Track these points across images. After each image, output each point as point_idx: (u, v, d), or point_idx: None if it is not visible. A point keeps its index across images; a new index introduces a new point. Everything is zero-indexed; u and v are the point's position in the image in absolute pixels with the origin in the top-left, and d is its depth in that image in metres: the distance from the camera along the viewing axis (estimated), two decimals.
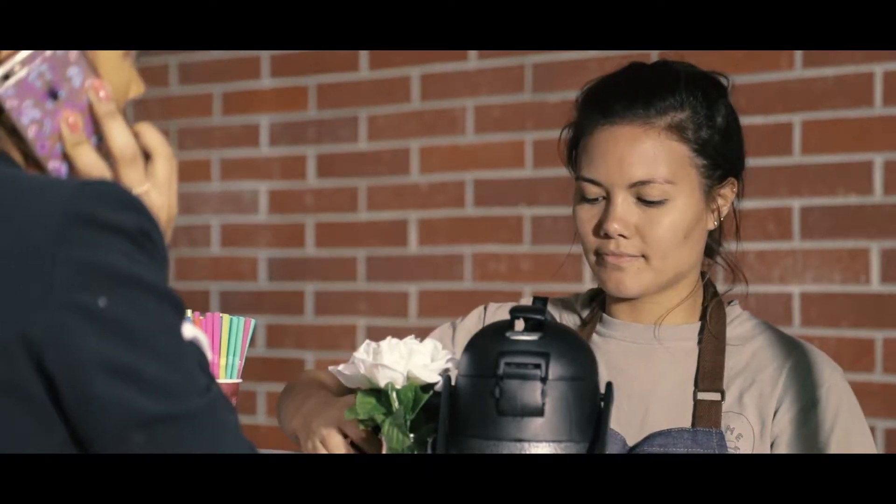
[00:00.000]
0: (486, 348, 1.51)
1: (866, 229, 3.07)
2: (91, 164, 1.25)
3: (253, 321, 1.88)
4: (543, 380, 1.47)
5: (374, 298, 3.72)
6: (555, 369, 1.48)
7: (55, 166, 1.25)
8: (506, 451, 1.47)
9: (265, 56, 3.90)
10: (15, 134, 1.24)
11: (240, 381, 1.86)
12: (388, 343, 1.60)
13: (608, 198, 1.85)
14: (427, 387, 1.60)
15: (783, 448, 1.83)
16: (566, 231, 3.42)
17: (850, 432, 1.83)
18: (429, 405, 1.59)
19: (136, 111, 4.12)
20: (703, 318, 1.91)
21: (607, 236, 1.84)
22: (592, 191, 1.86)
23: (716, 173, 1.87)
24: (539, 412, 1.46)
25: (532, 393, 1.47)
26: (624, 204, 1.83)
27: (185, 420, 1.15)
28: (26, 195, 1.16)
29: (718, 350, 1.87)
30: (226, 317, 1.85)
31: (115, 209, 1.15)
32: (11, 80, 1.23)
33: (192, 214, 4.03)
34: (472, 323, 2.00)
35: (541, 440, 1.46)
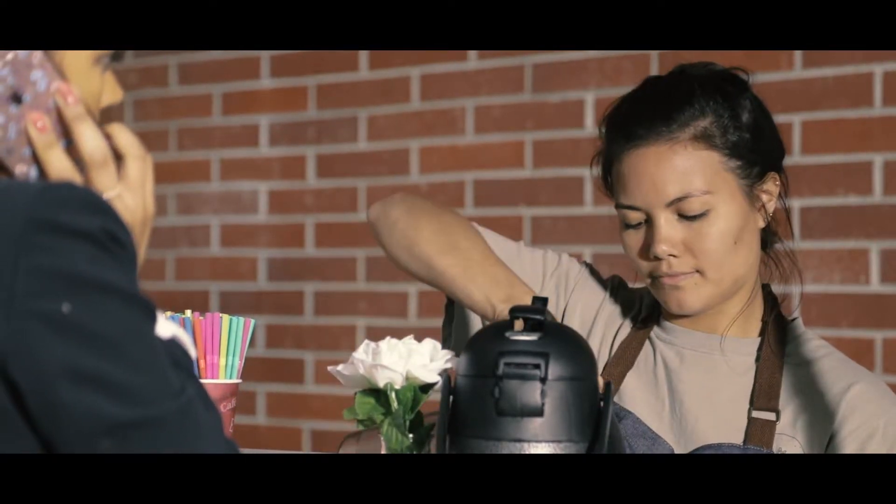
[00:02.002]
0: (485, 348, 1.51)
1: (866, 229, 3.06)
2: (62, 167, 1.23)
3: (252, 321, 1.88)
4: (543, 380, 1.47)
5: (373, 299, 3.72)
6: (554, 369, 1.47)
7: (23, 170, 1.23)
8: (505, 452, 1.47)
9: (265, 56, 3.90)
10: None
11: (239, 381, 1.85)
12: (388, 343, 1.60)
13: (650, 220, 1.81)
14: (426, 387, 1.60)
15: None
16: (566, 231, 3.43)
17: None
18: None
19: (136, 111, 4.12)
20: (763, 332, 1.87)
21: (657, 258, 1.81)
22: (633, 216, 1.82)
23: (753, 171, 1.83)
24: (538, 412, 1.46)
25: (531, 393, 1.47)
26: (667, 224, 1.80)
27: (155, 425, 1.13)
28: None
29: (777, 368, 1.84)
30: (225, 317, 1.85)
31: (77, 212, 1.13)
32: None
33: (192, 214, 4.03)
34: (574, 271, 1.96)
35: (540, 440, 1.46)
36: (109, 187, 1.24)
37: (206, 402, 1.18)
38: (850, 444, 1.79)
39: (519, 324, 1.52)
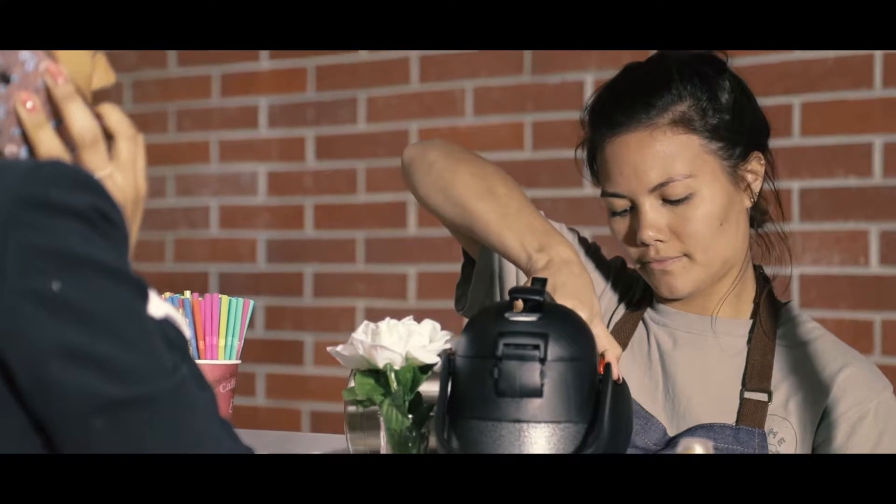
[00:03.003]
0: (484, 329, 1.51)
1: (865, 211, 3.06)
2: (52, 147, 1.22)
3: (252, 302, 1.88)
4: (542, 361, 1.47)
5: (373, 280, 3.72)
6: (553, 350, 1.48)
7: (12, 151, 1.22)
8: (504, 432, 1.47)
9: None
10: None
11: (239, 362, 1.86)
12: (387, 324, 1.60)
13: (635, 207, 1.82)
14: (426, 367, 1.60)
15: None
16: (565, 213, 3.43)
17: (893, 453, 1.79)
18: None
19: (135, 93, 4.12)
20: (755, 314, 1.88)
21: (645, 244, 1.82)
22: (618, 204, 1.84)
23: (736, 152, 1.83)
24: (538, 393, 1.46)
25: (531, 374, 1.47)
26: (651, 210, 1.81)
27: (148, 403, 1.12)
28: None
29: (769, 349, 1.85)
30: (225, 298, 1.85)
31: (67, 190, 1.13)
32: None
33: (191, 196, 4.03)
34: (583, 249, 1.96)
35: (539, 421, 1.47)
36: (100, 167, 1.23)
37: (201, 381, 1.17)
38: (842, 425, 1.80)
39: (518, 305, 1.52)
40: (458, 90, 3.59)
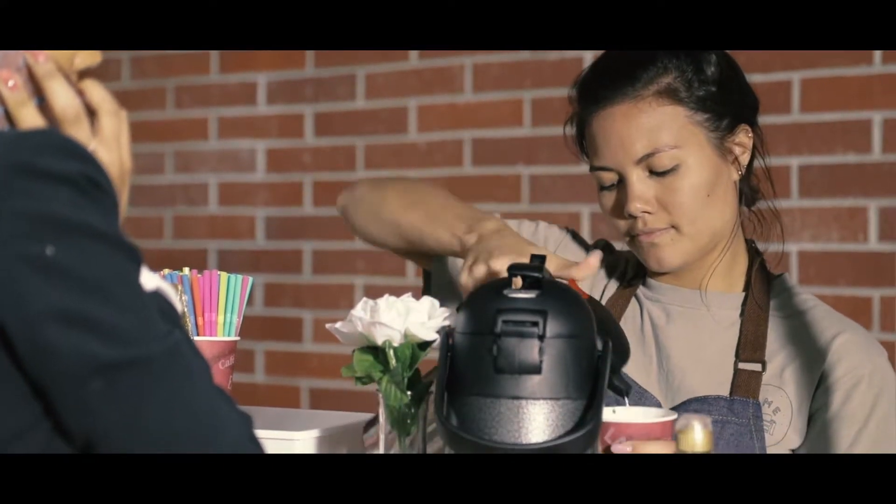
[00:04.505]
0: (483, 306, 1.51)
1: (864, 188, 3.06)
2: (35, 125, 1.23)
3: (251, 279, 1.88)
4: (541, 337, 1.47)
5: (371, 257, 3.72)
6: (552, 327, 1.48)
7: None
8: (503, 409, 1.47)
9: None
10: None
11: (237, 338, 1.86)
12: (386, 301, 1.60)
13: (623, 180, 1.83)
14: (424, 344, 1.60)
15: (819, 427, 1.80)
16: (564, 190, 3.43)
17: (888, 419, 1.80)
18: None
19: (133, 69, 4.11)
20: (747, 287, 1.89)
21: (633, 217, 1.83)
22: (606, 177, 1.85)
23: (722, 123, 1.84)
24: (537, 370, 1.46)
25: (530, 350, 1.47)
26: (638, 181, 1.82)
27: (144, 365, 1.13)
28: None
29: (762, 320, 1.86)
30: (223, 274, 1.85)
31: (55, 156, 1.13)
32: None
33: (190, 173, 4.03)
34: (554, 235, 1.98)
35: (538, 398, 1.47)
36: (85, 143, 1.24)
37: (194, 349, 1.18)
38: (838, 391, 1.81)
39: (517, 281, 1.52)
40: (457, 66, 3.59)
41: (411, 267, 3.65)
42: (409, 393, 1.59)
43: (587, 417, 1.48)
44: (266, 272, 3.88)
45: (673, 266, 1.85)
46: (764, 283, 1.89)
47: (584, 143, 1.90)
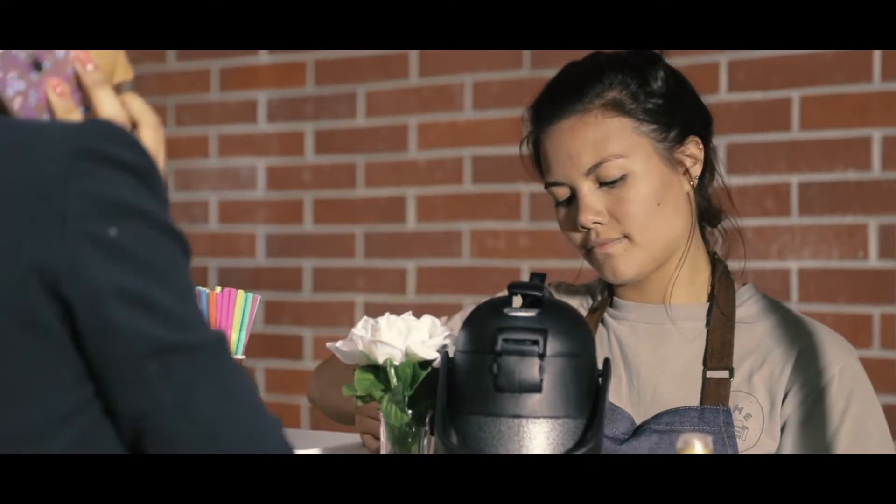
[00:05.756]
0: (484, 324, 1.51)
1: (864, 205, 3.07)
2: None
3: (259, 297, 1.89)
4: (541, 356, 1.47)
5: (372, 275, 3.72)
6: (553, 345, 1.48)
7: None
8: (504, 427, 1.47)
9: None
10: (1, 107, 1.25)
11: (244, 357, 1.86)
12: (387, 319, 1.60)
13: (575, 194, 1.87)
14: (425, 363, 1.60)
15: (794, 430, 1.81)
16: None
17: (863, 415, 1.82)
18: (430, 380, 1.59)
19: (135, 87, 4.11)
20: (712, 297, 1.91)
21: (585, 228, 1.86)
22: (559, 193, 1.89)
23: (670, 134, 1.87)
24: (537, 388, 1.47)
25: (530, 369, 1.47)
26: (588, 193, 1.85)
27: (199, 351, 1.17)
28: (33, 135, 1.17)
29: (727, 328, 1.87)
30: (240, 293, 1.85)
31: (119, 146, 1.17)
32: None
33: (191, 190, 4.03)
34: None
35: (538, 416, 1.47)
36: None
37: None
38: (809, 394, 1.82)
39: (517, 300, 1.52)
40: (457, 84, 3.59)
41: (412, 285, 3.65)
42: (409, 412, 1.59)
43: (587, 436, 1.48)
44: (266, 290, 3.88)
45: (628, 276, 1.87)
46: (729, 291, 1.91)
47: (540, 163, 1.94)
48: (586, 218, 1.85)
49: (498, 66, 3.52)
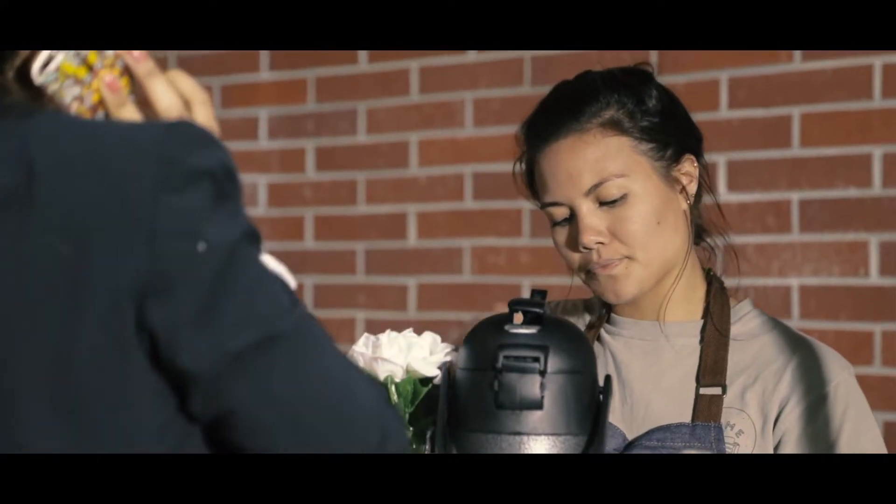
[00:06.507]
0: (484, 341, 1.51)
1: (865, 222, 3.07)
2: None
3: None
4: (542, 373, 1.47)
5: (372, 292, 3.72)
6: (554, 362, 1.48)
7: None
8: (505, 445, 1.47)
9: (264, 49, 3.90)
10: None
11: None
12: (388, 336, 1.60)
13: (574, 214, 1.86)
14: (426, 380, 1.60)
15: (790, 446, 1.81)
16: None
17: (859, 431, 1.82)
18: (430, 397, 1.59)
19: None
20: (707, 313, 1.91)
21: (587, 248, 1.85)
22: (558, 213, 1.88)
23: (667, 153, 1.87)
24: (538, 405, 1.46)
25: (531, 386, 1.47)
26: (589, 213, 1.84)
27: (274, 342, 1.16)
28: (115, 144, 1.16)
29: (721, 345, 1.87)
30: None
31: (201, 151, 1.17)
32: (52, 66, 1.23)
33: None
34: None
35: (540, 433, 1.47)
36: None
37: (316, 320, 1.21)
38: (804, 411, 1.82)
39: (518, 317, 1.52)
40: (458, 101, 3.59)
41: (412, 301, 3.65)
42: (410, 429, 1.59)
43: (589, 453, 1.48)
44: None
45: (629, 296, 1.87)
46: (724, 308, 1.91)
47: (534, 183, 1.93)
48: (588, 238, 1.84)
49: (499, 83, 3.52)
